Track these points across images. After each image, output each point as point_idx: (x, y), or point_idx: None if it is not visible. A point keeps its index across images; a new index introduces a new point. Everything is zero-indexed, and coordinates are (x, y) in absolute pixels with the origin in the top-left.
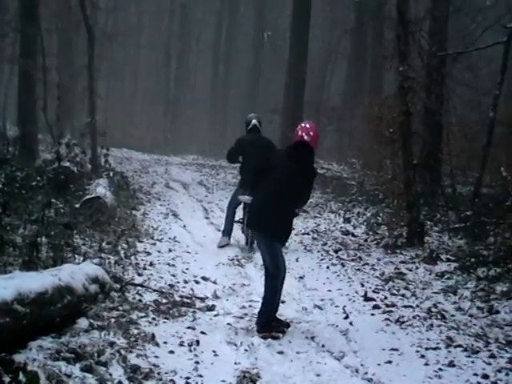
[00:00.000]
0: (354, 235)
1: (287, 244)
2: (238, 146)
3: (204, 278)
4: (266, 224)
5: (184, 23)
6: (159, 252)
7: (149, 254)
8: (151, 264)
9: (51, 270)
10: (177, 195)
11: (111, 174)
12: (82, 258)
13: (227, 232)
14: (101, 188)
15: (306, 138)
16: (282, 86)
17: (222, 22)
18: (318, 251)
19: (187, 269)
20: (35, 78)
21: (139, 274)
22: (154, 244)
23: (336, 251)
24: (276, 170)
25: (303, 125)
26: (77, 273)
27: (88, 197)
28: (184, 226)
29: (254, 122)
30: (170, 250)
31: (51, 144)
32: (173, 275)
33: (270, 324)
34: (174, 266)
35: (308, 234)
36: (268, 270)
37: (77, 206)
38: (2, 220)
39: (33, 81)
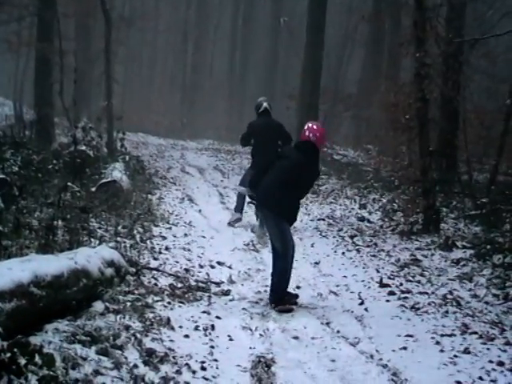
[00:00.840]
0: (369, 221)
1: (303, 229)
2: (250, 128)
3: (219, 263)
4: (273, 203)
5: (201, 9)
6: (175, 236)
7: (164, 238)
8: (167, 248)
9: (67, 253)
10: (192, 180)
11: (127, 158)
12: (97, 242)
13: (239, 208)
14: (117, 172)
15: (312, 138)
16: (298, 72)
17: (238, 7)
18: (334, 237)
19: (202, 253)
20: (52, 61)
21: (155, 258)
22: (170, 228)
23: (351, 237)
24: (285, 159)
25: (310, 125)
26: (93, 256)
27: (104, 181)
28: (199, 211)
29: (264, 104)
30: (185, 235)
31: (67, 128)
32: (188, 260)
33: (283, 298)
34: (189, 250)
35: (323, 219)
36: (277, 250)
37: (93, 189)
38: (18, 203)
39: (50, 65)
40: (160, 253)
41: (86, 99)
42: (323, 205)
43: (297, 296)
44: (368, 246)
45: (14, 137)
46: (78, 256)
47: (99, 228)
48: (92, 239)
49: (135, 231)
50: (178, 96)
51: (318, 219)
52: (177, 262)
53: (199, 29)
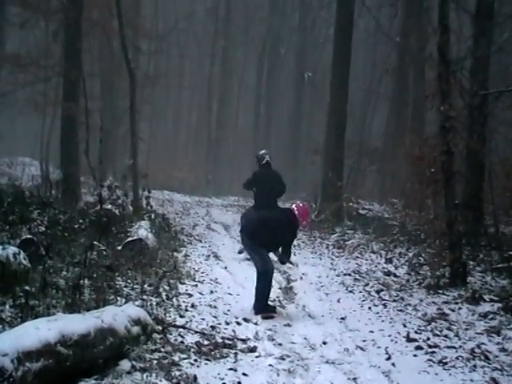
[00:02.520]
0: (395, 276)
1: (329, 284)
2: (254, 178)
3: (245, 320)
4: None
5: (225, 64)
6: (201, 293)
7: (190, 295)
8: (193, 305)
9: (94, 312)
10: (218, 237)
11: (153, 215)
12: (124, 300)
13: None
14: (142, 230)
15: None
16: (323, 126)
17: (263, 63)
18: (360, 292)
19: (229, 310)
20: (78, 121)
21: (181, 316)
22: (196, 285)
23: (378, 292)
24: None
25: (297, 203)
26: (119, 315)
27: (130, 239)
28: (225, 268)
29: (267, 158)
30: (211, 292)
31: (93, 186)
32: (214, 317)
33: (265, 308)
34: (215, 307)
35: (349, 274)
36: (257, 270)
37: (119, 248)
38: (45, 262)
39: (75, 124)
40: (186, 310)
41: (111, 157)
42: (349, 260)
43: (274, 308)
44: (394, 301)
45: (41, 197)
46: (105, 314)
47: (125, 286)
48: (118, 297)
49: (161, 289)
50: (202, 152)
51: (344, 274)
52: (203, 320)
53: (224, 84)
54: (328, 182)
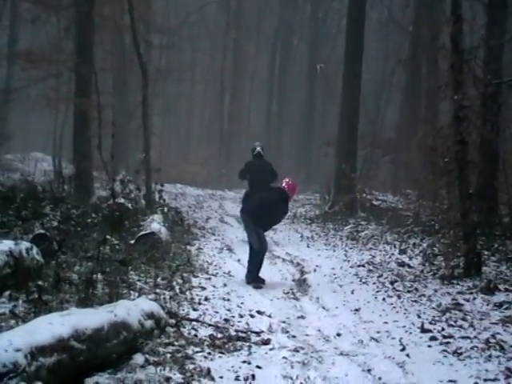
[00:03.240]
0: (409, 266)
1: (342, 276)
2: (246, 167)
3: (259, 312)
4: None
5: (237, 58)
6: (214, 287)
7: (204, 288)
8: (206, 299)
9: (107, 306)
10: (231, 230)
11: (165, 209)
12: (137, 294)
13: None
14: (155, 224)
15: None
16: (336, 118)
17: (275, 55)
18: (374, 283)
19: (242, 303)
20: (90, 116)
21: (194, 309)
22: (209, 279)
23: (392, 283)
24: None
25: (286, 180)
26: (132, 309)
27: (143, 233)
28: (238, 261)
29: (258, 149)
30: (224, 285)
31: (106, 181)
32: (228, 310)
33: (256, 278)
34: (228, 300)
35: (363, 265)
36: (253, 247)
37: (132, 242)
38: (58, 257)
39: (88, 119)
40: (199, 303)
41: (123, 152)
42: (363, 251)
43: (263, 279)
44: (409, 292)
45: (54, 192)
46: (118, 309)
47: (138, 280)
48: (131, 292)
49: (174, 282)
50: (215, 146)
51: (358, 265)
52: (216, 313)
53: (236, 78)
54: (341, 174)
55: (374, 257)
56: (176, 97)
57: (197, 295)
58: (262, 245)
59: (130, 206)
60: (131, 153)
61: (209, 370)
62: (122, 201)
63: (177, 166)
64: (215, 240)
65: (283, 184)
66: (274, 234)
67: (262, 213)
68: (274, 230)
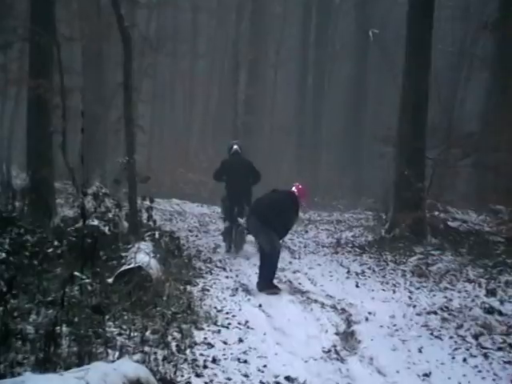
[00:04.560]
0: (501, 313)
1: (406, 327)
2: (222, 167)
3: (288, 379)
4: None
5: (257, 22)
6: (225, 343)
7: (211, 346)
8: (214, 360)
9: (76, 370)
10: (248, 263)
11: (157, 234)
12: (117, 354)
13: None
14: (142, 255)
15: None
16: (395, 105)
17: (310, 18)
18: (451, 337)
19: (265, 366)
20: (50, 104)
21: (198, 375)
22: (218, 332)
23: (476, 337)
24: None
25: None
26: (111, 374)
27: (125, 267)
28: (259, 306)
29: (235, 147)
30: (240, 340)
31: (73, 195)
32: (245, 375)
33: (269, 285)
34: (246, 362)
35: (435, 312)
36: (265, 251)
37: (109, 280)
38: (6, 303)
39: (47, 108)
40: (205, 367)
41: (98, 155)
42: (434, 291)
43: (277, 286)
44: (500, 349)
45: (1, 211)
46: (91, 375)
47: (119, 334)
48: (109, 350)
49: (170, 337)
50: (226, 144)
51: (428, 312)
52: (229, 380)
53: (255, 50)
54: (404, 183)
55: (450, 300)
56: (171, 77)
57: (201, 355)
58: (276, 246)
59: (106, 230)
60: (109, 155)
61: None
62: (95, 223)
63: (173, 173)
64: (226, 277)
65: (293, 188)
66: (310, 268)
67: (273, 217)
68: (310, 263)
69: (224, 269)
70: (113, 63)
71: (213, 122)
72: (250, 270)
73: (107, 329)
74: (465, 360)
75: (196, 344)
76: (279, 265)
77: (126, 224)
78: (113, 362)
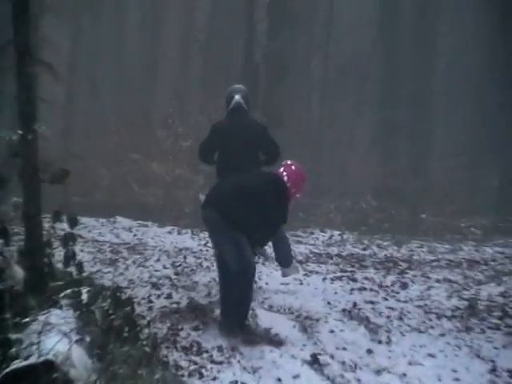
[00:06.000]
0: None
1: None
2: (214, 133)
3: None
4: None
5: None
6: None
7: None
8: None
9: None
10: (275, 355)
11: (85, 294)
12: None
13: None
14: (55, 337)
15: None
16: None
17: None
18: None
19: None
20: None
21: None
22: None
23: None
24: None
25: (288, 163)
26: None
27: (18, 365)
28: None
29: (236, 97)
30: None
31: None
32: None
33: (240, 325)
34: None
35: None
36: (229, 271)
37: None
38: None
39: None
40: None
41: None
42: None
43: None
44: None
45: None
46: None
47: None
48: None
49: None
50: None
51: None
52: None
53: None
54: None
55: None
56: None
57: None
58: (245, 259)
59: None
60: None
61: None
62: None
63: (119, 162)
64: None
65: (281, 169)
66: (411, 364)
67: (241, 210)
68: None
69: (229, 364)
70: None
71: (202, 57)
72: (281, 371)
73: None
74: None
75: None
76: (347, 356)
77: (20, 272)
78: None
